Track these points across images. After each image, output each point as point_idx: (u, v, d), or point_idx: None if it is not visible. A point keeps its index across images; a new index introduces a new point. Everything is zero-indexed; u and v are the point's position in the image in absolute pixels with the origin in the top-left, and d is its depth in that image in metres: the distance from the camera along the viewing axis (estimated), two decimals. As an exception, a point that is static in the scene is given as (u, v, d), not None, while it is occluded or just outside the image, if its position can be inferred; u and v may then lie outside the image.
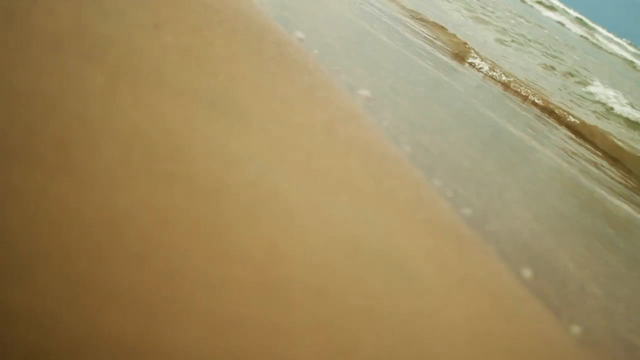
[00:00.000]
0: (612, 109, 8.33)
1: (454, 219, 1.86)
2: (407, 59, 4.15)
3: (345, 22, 4.07)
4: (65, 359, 0.77)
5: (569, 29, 23.78)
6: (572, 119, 6.05)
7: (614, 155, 5.75)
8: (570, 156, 4.60)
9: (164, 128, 1.25)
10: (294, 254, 1.13)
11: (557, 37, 15.76)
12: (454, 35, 6.25)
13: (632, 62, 22.45)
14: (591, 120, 6.63)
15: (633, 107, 9.01)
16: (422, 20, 6.38)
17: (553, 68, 9.30)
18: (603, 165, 5.02)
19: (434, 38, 5.79)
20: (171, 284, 0.90)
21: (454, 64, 5.33)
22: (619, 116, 8.14)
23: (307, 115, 1.85)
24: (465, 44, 6.16)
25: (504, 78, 6.03)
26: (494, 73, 6.01)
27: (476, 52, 6.14)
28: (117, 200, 0.99)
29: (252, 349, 0.89)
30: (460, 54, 5.93)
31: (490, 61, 6.26)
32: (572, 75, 9.69)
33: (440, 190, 2.06)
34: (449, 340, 1.19)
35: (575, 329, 1.72)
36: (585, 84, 9.39)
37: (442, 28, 6.34)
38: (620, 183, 4.65)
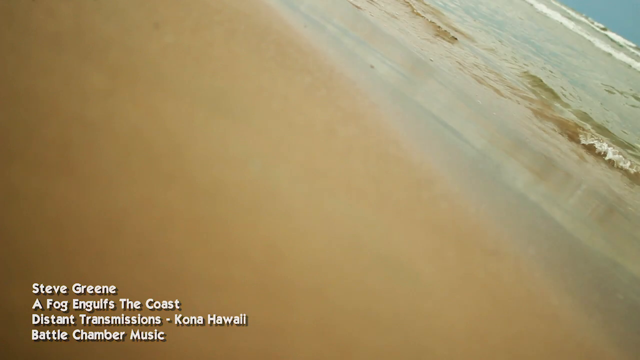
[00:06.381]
0: None
1: (454, 219, 1.86)
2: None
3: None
4: (64, 358, 0.77)
5: None
6: None
7: None
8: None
9: (164, 128, 1.25)
10: (293, 255, 1.13)
11: None
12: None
13: None
14: None
15: None
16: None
17: None
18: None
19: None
20: (171, 284, 0.90)
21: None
22: None
23: (307, 115, 1.85)
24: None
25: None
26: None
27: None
28: (117, 200, 0.99)
29: (252, 349, 0.89)
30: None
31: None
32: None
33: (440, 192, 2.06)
34: (449, 341, 1.19)
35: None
36: None
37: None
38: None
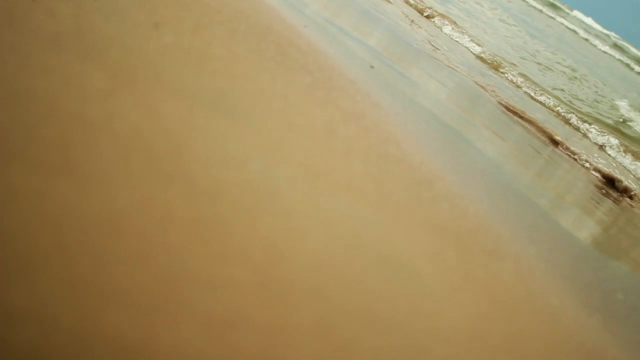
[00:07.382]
0: None
1: (454, 219, 1.85)
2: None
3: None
4: (64, 358, 0.77)
5: None
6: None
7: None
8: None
9: (164, 128, 1.25)
10: (293, 255, 1.13)
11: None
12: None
13: None
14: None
15: None
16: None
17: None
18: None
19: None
20: (170, 285, 0.90)
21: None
22: None
23: (307, 115, 1.85)
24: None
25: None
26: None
27: None
28: (117, 200, 0.99)
29: (252, 349, 0.89)
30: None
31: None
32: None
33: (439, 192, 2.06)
34: (449, 341, 1.19)
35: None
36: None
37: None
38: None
